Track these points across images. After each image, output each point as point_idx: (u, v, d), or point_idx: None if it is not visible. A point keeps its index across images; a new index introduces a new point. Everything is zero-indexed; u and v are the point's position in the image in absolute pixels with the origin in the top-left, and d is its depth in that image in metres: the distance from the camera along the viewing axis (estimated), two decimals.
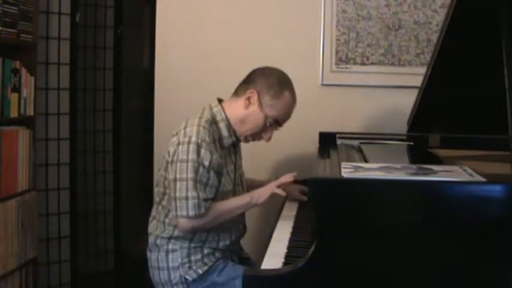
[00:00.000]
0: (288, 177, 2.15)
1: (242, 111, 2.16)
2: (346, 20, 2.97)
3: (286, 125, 2.99)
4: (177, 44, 3.06)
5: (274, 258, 1.80)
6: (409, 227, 1.55)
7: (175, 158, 2.06)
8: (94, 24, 3.75)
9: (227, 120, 2.17)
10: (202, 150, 2.04)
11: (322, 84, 3.00)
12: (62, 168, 3.23)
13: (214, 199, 2.10)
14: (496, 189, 1.52)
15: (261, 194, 2.14)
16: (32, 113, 2.83)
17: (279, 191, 2.13)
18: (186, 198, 2.02)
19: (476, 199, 1.53)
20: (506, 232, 1.51)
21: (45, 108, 3.14)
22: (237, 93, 2.21)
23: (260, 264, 1.77)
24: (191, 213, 2.02)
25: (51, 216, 3.21)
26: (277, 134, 2.99)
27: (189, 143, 2.05)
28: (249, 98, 2.15)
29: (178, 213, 2.04)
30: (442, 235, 1.53)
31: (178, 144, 2.07)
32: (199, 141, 2.05)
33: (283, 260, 1.79)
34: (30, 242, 2.80)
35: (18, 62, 2.71)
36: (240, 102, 2.17)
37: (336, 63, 2.99)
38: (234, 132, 2.18)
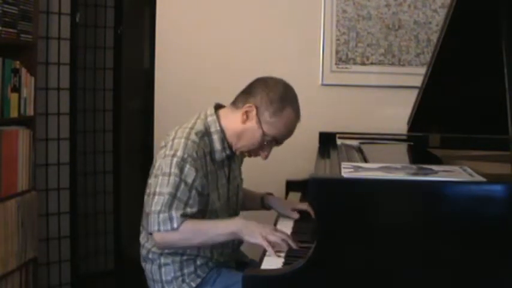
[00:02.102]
0: (284, 243, 1.83)
1: (239, 126, 1.99)
2: (346, 20, 2.97)
3: None
4: (177, 44, 3.06)
5: (274, 258, 1.79)
6: (409, 227, 1.55)
7: (158, 171, 1.93)
8: (94, 24, 3.75)
9: (222, 132, 2.00)
10: (187, 167, 1.90)
11: (322, 84, 3.00)
12: (62, 168, 3.23)
13: (198, 216, 1.94)
14: (496, 189, 1.52)
15: (252, 234, 1.86)
16: (32, 113, 2.83)
17: (268, 249, 1.81)
18: (159, 212, 1.88)
19: (476, 199, 1.53)
20: (506, 232, 1.51)
21: (45, 108, 3.14)
22: (235, 103, 2.03)
23: (260, 264, 1.77)
24: (162, 227, 1.87)
25: (51, 216, 3.21)
26: None
27: (173, 156, 1.90)
28: (246, 113, 1.97)
29: (151, 228, 1.90)
30: (442, 235, 1.53)
31: (165, 157, 1.93)
32: (185, 156, 1.90)
33: (283, 260, 1.79)
34: (30, 242, 2.80)
35: (18, 62, 2.71)
36: (238, 115, 1.99)
37: (336, 63, 2.99)
38: (229, 146, 2.02)
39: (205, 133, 1.99)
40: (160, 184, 1.91)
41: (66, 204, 3.25)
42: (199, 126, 1.99)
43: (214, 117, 2.02)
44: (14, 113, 2.68)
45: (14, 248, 2.67)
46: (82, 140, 3.66)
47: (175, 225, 1.87)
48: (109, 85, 3.83)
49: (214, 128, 2.00)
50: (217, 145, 2.00)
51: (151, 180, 2.01)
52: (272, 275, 1.63)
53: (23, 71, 2.74)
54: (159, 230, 1.88)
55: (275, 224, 2.18)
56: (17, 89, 2.69)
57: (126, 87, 3.91)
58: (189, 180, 1.90)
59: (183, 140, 1.93)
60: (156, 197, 1.91)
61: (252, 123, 1.98)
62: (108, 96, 3.84)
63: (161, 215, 1.88)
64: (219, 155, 2.01)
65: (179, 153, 1.90)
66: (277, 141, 2.02)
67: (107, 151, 3.85)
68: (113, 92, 3.84)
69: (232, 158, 2.10)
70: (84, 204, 3.69)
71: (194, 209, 1.91)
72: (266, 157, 2.04)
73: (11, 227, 2.65)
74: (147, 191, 2.03)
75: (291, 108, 1.98)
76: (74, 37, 3.26)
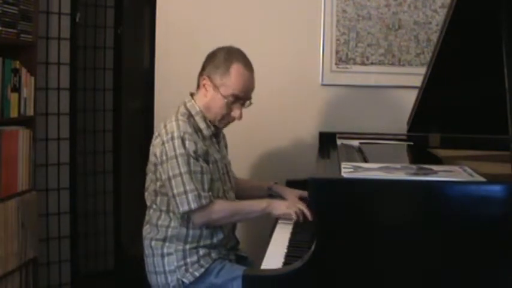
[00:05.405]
0: (308, 214, 2.09)
1: (204, 100, 2.18)
2: (346, 20, 2.97)
3: (286, 125, 3.01)
4: (177, 44, 3.06)
5: (274, 258, 1.80)
6: (409, 227, 1.55)
7: (164, 158, 2.08)
8: (94, 24, 3.75)
9: (201, 112, 2.19)
10: (187, 142, 2.07)
11: (322, 84, 2.99)
12: (62, 168, 3.23)
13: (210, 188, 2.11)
14: (496, 189, 1.52)
15: (279, 207, 2.14)
16: (32, 113, 2.83)
17: (294, 216, 2.10)
18: (185, 192, 2.04)
19: (476, 199, 1.53)
20: (506, 232, 1.51)
21: (45, 108, 3.14)
22: (197, 86, 2.25)
23: (260, 264, 1.77)
24: (193, 205, 2.04)
25: (51, 216, 3.21)
26: (277, 134, 3.01)
27: (172, 139, 2.08)
28: (204, 86, 2.18)
29: (181, 209, 2.05)
30: (442, 235, 1.53)
31: (163, 143, 2.10)
32: (182, 134, 2.08)
33: (283, 260, 1.79)
34: (30, 242, 2.80)
35: (18, 62, 2.71)
36: (200, 92, 2.20)
37: (336, 63, 2.99)
38: (212, 123, 2.20)
39: (189, 115, 2.17)
40: (171, 168, 2.06)
41: (66, 204, 3.25)
42: (183, 110, 2.18)
43: (192, 101, 2.21)
44: (14, 113, 2.68)
45: (14, 248, 2.67)
46: (82, 140, 3.66)
47: (203, 202, 2.05)
48: (109, 85, 3.83)
49: (194, 111, 2.19)
50: (202, 124, 2.18)
51: (151, 174, 2.17)
52: (272, 275, 1.63)
53: (23, 71, 2.75)
54: (190, 209, 2.04)
55: (274, 227, 2.19)
56: (17, 89, 2.69)
57: (126, 87, 3.91)
58: (193, 152, 2.07)
59: (174, 123, 2.12)
60: (173, 180, 2.06)
61: (211, 92, 2.16)
62: (108, 96, 3.84)
63: (190, 195, 2.04)
64: (206, 131, 2.19)
65: (176, 134, 2.08)
66: (240, 97, 2.16)
67: (107, 151, 3.85)
68: (113, 92, 3.84)
69: (218, 136, 2.27)
70: (84, 204, 3.69)
71: (209, 176, 2.10)
72: (240, 117, 2.18)
73: (11, 227, 2.65)
74: (150, 183, 2.17)
75: (236, 63, 2.15)
76: (74, 37, 3.26)
